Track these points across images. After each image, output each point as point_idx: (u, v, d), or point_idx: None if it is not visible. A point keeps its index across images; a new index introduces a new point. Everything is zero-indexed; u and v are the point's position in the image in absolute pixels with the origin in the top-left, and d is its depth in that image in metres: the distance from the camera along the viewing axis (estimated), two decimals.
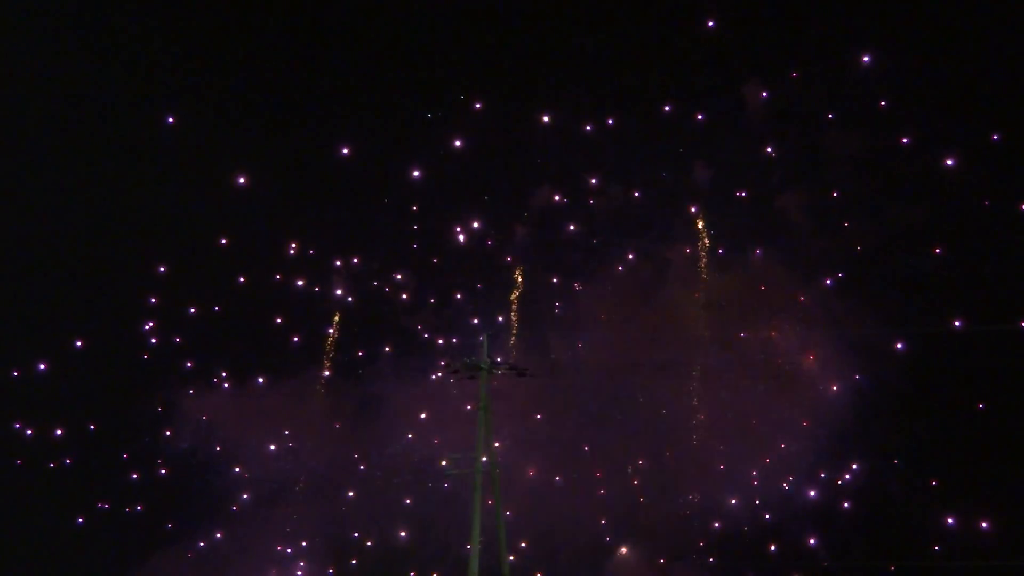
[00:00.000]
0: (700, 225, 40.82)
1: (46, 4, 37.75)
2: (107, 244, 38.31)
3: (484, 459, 26.16)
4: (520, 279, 40.83)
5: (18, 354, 37.96)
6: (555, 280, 40.79)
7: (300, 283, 40.27)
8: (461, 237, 40.51)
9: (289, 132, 40.28)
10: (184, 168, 38.54)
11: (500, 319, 39.93)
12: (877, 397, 36.71)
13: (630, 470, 37.50)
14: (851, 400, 37.22)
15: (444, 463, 26.34)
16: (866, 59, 38.59)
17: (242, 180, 37.88)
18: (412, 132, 40.73)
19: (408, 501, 38.01)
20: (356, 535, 38.15)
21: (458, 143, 39.62)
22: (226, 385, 39.29)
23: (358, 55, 41.10)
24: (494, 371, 27.04)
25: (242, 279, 39.86)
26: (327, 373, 40.44)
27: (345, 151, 39.03)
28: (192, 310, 39.58)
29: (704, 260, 40.17)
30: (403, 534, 37.96)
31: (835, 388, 37.62)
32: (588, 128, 41.06)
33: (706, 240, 40.48)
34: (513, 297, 40.59)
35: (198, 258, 39.52)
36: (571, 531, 37.37)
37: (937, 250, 36.99)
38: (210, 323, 39.67)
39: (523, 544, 37.16)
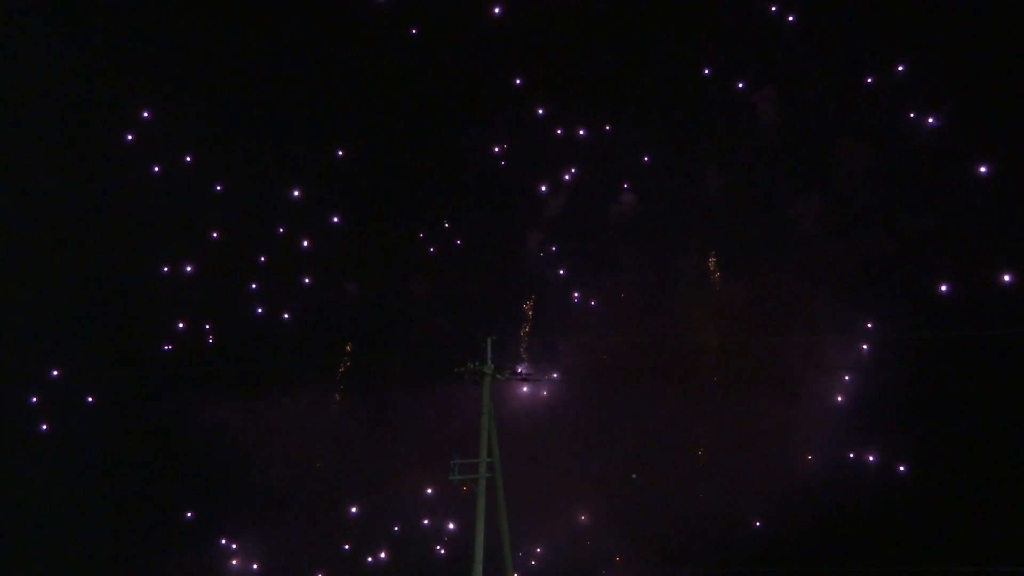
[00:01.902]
0: (711, 234, 40.81)
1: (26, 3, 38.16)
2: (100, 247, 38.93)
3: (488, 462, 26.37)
4: (529, 285, 41.07)
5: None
6: (563, 286, 41.01)
7: (307, 288, 40.82)
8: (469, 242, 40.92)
9: (286, 134, 40.72)
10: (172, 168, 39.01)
11: (507, 324, 40.09)
12: (885, 404, 36.64)
13: (635, 476, 37.48)
14: (859, 408, 37.14)
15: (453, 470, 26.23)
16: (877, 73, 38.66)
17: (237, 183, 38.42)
18: (415, 136, 41.12)
19: (413, 507, 38.15)
20: (362, 542, 38.32)
21: (465, 148, 40.06)
22: (230, 394, 39.57)
23: (361, 56, 41.41)
24: (498, 377, 27.24)
25: (244, 284, 40.46)
26: (335, 379, 40.70)
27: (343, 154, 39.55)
28: (192, 316, 40.11)
29: (714, 268, 40.13)
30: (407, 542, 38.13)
31: (844, 397, 37.52)
32: (598, 135, 41.35)
33: (716, 250, 40.47)
34: (522, 302, 40.76)
35: (194, 266, 40.11)
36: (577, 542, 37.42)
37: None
38: (212, 329, 40.20)
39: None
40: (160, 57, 39.85)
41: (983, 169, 36.50)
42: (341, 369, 40.77)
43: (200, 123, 39.43)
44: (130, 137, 39.40)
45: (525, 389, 38.34)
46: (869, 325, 37.38)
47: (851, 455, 36.76)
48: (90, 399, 39.47)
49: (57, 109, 38.47)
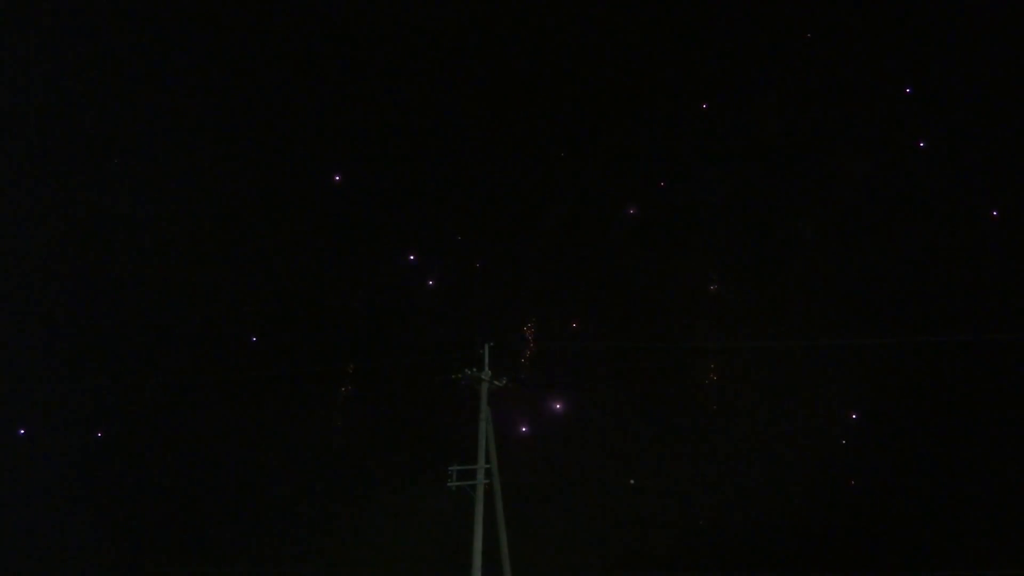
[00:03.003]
0: (713, 247, 40.89)
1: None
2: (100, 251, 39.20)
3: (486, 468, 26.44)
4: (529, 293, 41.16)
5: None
6: (563, 294, 41.12)
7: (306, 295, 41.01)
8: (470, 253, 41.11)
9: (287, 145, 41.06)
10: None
11: (506, 331, 40.15)
12: (887, 416, 36.60)
13: (633, 482, 37.47)
14: (861, 419, 37.12)
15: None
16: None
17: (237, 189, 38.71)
18: (420, 145, 41.40)
19: (412, 515, 38.07)
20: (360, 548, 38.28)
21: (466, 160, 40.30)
22: (230, 396, 39.70)
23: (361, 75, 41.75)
24: (495, 383, 27.34)
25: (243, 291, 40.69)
26: (336, 384, 40.77)
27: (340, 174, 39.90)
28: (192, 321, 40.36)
29: (714, 276, 40.29)
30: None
31: (846, 403, 37.58)
32: (602, 147, 41.60)
33: (717, 263, 40.55)
34: (521, 310, 40.87)
35: (195, 271, 40.37)
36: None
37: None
38: (211, 335, 40.37)
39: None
40: (155, 70, 40.35)
41: (985, 183, 36.73)
42: (343, 390, 40.93)
43: (198, 137, 39.90)
44: (116, 160, 39.84)
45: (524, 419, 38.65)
46: (874, 336, 37.42)
47: (854, 466, 36.73)
48: (99, 434, 39.56)
49: (51, 124, 38.97)
